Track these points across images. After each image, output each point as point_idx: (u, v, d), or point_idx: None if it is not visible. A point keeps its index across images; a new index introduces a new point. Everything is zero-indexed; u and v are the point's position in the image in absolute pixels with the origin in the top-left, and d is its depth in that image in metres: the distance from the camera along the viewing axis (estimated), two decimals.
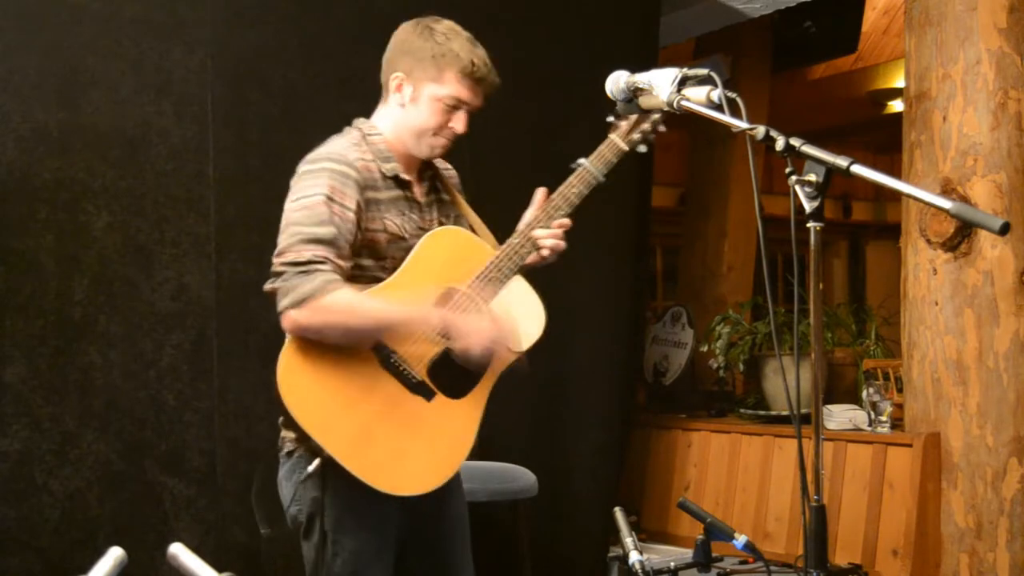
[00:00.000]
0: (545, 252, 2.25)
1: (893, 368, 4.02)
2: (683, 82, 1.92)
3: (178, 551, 1.64)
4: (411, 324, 2.12)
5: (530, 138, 3.82)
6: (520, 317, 2.24)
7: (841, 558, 3.60)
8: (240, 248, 3.16)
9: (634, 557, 2.27)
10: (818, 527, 1.64)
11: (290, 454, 2.17)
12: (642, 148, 2.37)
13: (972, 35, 3.48)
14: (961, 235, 3.46)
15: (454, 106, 2.21)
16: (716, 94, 1.84)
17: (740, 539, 2.50)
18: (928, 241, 3.56)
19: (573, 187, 2.29)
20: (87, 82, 2.95)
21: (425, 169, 2.31)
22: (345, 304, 2.04)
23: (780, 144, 1.64)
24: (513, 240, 2.24)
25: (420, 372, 2.12)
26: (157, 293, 3.03)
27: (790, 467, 3.94)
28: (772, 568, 2.67)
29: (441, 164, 2.38)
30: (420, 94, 2.21)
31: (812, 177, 1.61)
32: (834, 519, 3.68)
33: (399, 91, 2.23)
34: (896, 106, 6.75)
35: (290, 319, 2.03)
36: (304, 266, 2.03)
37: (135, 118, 3.01)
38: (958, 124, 3.50)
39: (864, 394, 3.89)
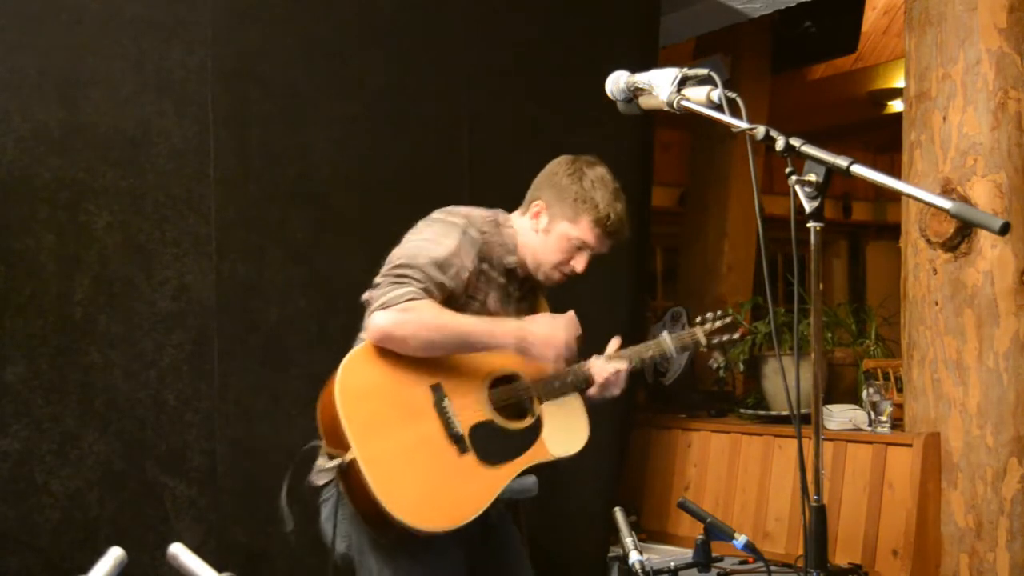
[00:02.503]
0: (594, 389, 2.43)
1: (893, 368, 4.02)
2: (683, 82, 1.93)
3: (178, 551, 1.64)
4: (493, 337, 2.24)
5: (530, 138, 3.82)
6: (565, 429, 2.41)
7: (841, 558, 3.60)
8: (240, 248, 3.17)
9: (634, 557, 2.28)
10: (818, 527, 1.64)
11: (328, 500, 2.24)
12: (717, 360, 2.69)
13: (972, 35, 3.48)
14: (961, 235, 3.46)
15: (580, 248, 2.37)
16: (716, 94, 1.84)
17: (740, 539, 2.50)
18: (928, 241, 3.56)
19: (649, 349, 2.58)
20: (87, 82, 2.95)
21: (528, 278, 2.47)
22: (429, 312, 2.14)
23: (780, 144, 1.64)
24: (582, 364, 2.44)
25: (463, 427, 2.22)
26: (157, 293, 3.03)
27: (790, 467, 3.94)
28: (772, 568, 2.67)
29: None
30: (553, 228, 2.37)
31: (812, 177, 1.61)
32: (834, 519, 3.67)
33: (536, 217, 2.40)
34: (896, 106, 6.75)
35: (375, 324, 2.12)
36: (403, 279, 2.14)
37: (135, 118, 3.01)
38: (958, 124, 3.50)
39: (864, 394, 3.88)
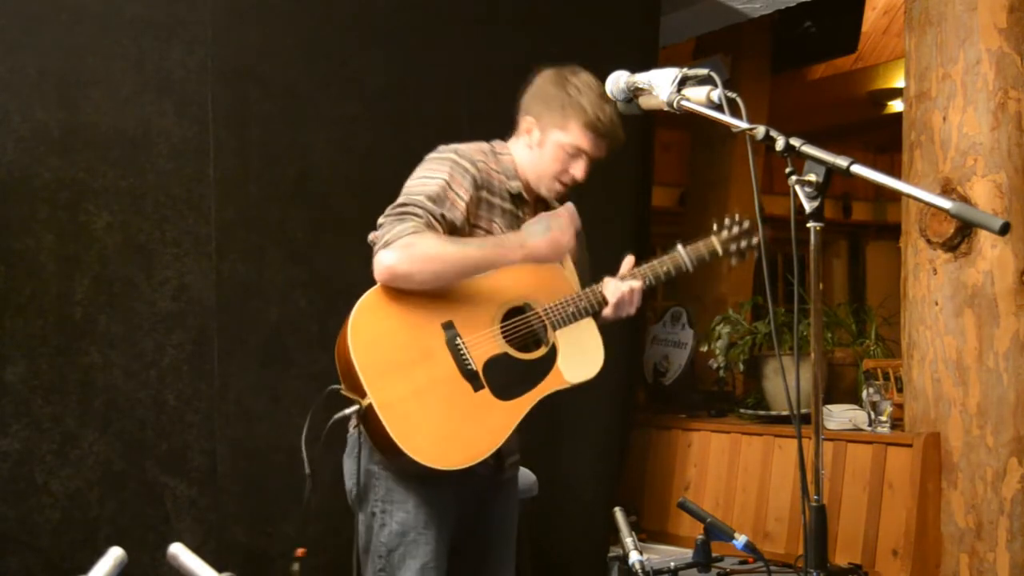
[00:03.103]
0: (609, 309, 2.36)
1: (893, 368, 4.02)
2: (683, 82, 1.92)
3: (178, 551, 1.65)
4: (498, 256, 2.24)
5: None
6: (580, 354, 2.36)
7: (841, 558, 3.60)
8: (240, 248, 3.17)
9: (634, 557, 2.27)
10: (818, 527, 1.64)
11: (351, 435, 2.27)
12: (734, 261, 2.57)
13: (972, 35, 3.48)
14: (961, 235, 3.46)
15: (575, 154, 2.36)
16: (716, 94, 1.84)
17: (740, 539, 2.50)
18: (928, 241, 3.56)
19: (664, 265, 2.48)
20: (87, 82, 2.95)
21: (539, 200, 2.46)
22: (432, 242, 2.15)
23: (780, 144, 1.64)
24: (595, 286, 2.39)
25: (477, 363, 2.22)
26: (157, 293, 3.03)
27: (790, 467, 3.94)
28: (772, 568, 2.67)
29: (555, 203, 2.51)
30: (546, 139, 2.37)
31: (812, 177, 1.61)
32: (834, 519, 3.68)
33: (528, 133, 2.39)
34: (896, 106, 6.76)
35: (380, 263, 2.15)
36: (399, 215, 2.17)
37: (135, 118, 3.01)
38: (958, 124, 3.50)
39: (864, 394, 3.89)
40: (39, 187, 2.87)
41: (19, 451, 2.81)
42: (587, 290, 2.39)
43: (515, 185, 2.38)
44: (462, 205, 2.24)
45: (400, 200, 2.22)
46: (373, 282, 2.22)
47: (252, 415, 3.15)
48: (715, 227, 2.57)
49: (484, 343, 2.25)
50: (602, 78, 2.10)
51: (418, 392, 2.15)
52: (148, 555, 2.87)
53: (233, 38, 3.18)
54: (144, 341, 3.00)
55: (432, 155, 2.33)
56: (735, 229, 2.56)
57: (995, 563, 3.35)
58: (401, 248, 2.12)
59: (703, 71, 1.91)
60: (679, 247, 2.51)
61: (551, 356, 2.32)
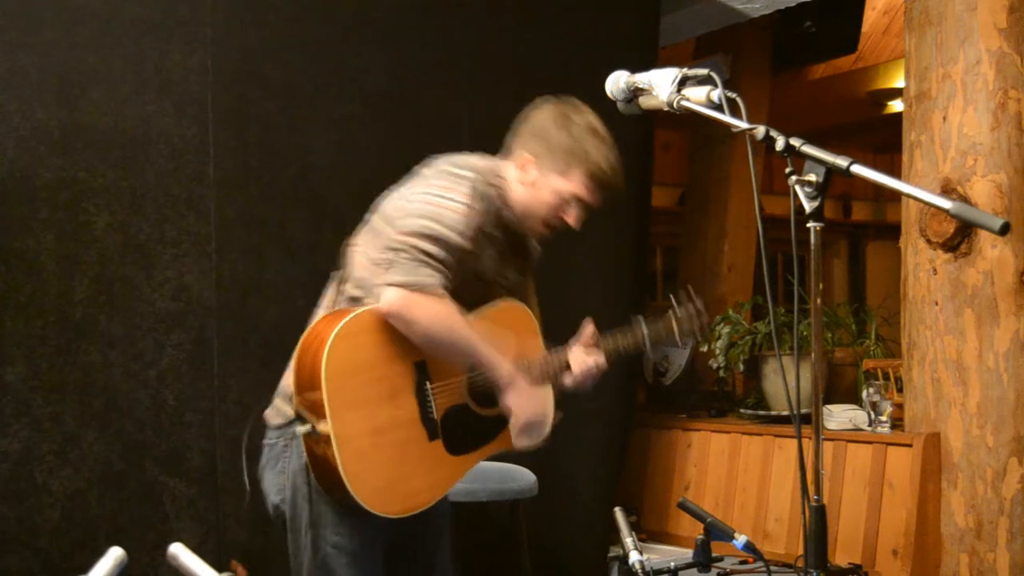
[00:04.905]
0: (570, 380, 2.32)
1: (893, 368, 4.02)
2: (683, 82, 1.92)
3: (178, 551, 1.64)
4: (490, 366, 2.17)
5: None
6: (531, 421, 2.30)
7: (841, 558, 3.60)
8: (240, 248, 3.17)
9: (634, 557, 2.28)
10: (818, 527, 1.64)
11: (274, 445, 2.20)
12: (685, 345, 2.50)
13: (972, 35, 3.48)
14: (961, 235, 3.46)
15: (570, 201, 2.24)
16: (716, 94, 1.84)
17: (740, 539, 2.50)
18: (928, 241, 3.56)
19: (625, 338, 2.40)
20: (87, 82, 2.95)
21: (517, 235, 2.34)
22: (450, 315, 2.07)
23: (780, 144, 1.64)
24: (560, 352, 2.33)
25: (438, 411, 2.16)
26: (157, 293, 3.03)
27: (790, 467, 3.94)
28: (772, 568, 2.68)
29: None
30: (544, 182, 2.22)
31: (812, 177, 1.61)
32: (834, 519, 3.68)
33: (523, 170, 2.24)
34: (896, 106, 6.75)
35: (397, 296, 2.02)
36: (428, 258, 2.04)
37: (135, 118, 3.02)
38: (958, 124, 3.50)
39: (864, 394, 3.89)
40: (39, 187, 2.87)
41: (19, 451, 2.81)
42: (553, 355, 2.32)
43: (508, 214, 2.25)
44: (469, 236, 2.11)
45: (422, 228, 2.06)
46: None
47: (252, 415, 3.15)
48: (673, 303, 2.51)
49: (449, 390, 2.18)
50: (602, 78, 2.07)
51: (377, 431, 2.07)
52: (148, 555, 2.87)
53: (233, 38, 3.18)
54: (144, 341, 3.00)
55: (447, 167, 2.18)
56: (691, 308, 2.50)
57: (995, 563, 3.35)
58: (421, 297, 2.02)
59: (703, 71, 1.91)
60: (641, 322, 2.44)
61: (506, 416, 2.26)
